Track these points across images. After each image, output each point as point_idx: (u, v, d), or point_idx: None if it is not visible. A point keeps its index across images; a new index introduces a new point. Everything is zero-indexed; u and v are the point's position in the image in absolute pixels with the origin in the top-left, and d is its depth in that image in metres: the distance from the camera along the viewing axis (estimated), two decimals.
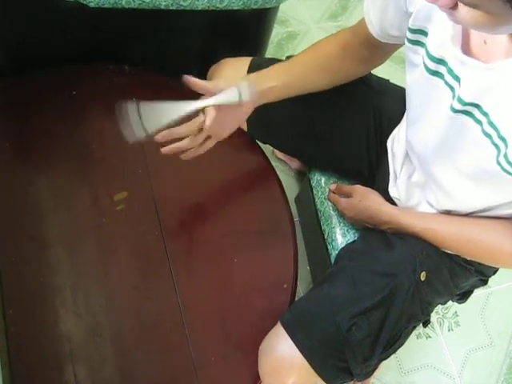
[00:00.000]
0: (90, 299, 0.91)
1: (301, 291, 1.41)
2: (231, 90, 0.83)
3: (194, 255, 0.99)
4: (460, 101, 0.69)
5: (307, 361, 0.82)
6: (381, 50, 0.91)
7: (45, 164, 1.03)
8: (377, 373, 1.18)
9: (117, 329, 0.90)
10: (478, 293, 1.10)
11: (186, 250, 0.99)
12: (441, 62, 0.72)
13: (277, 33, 1.85)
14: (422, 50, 0.76)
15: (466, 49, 0.68)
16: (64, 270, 0.92)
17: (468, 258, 0.89)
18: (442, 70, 0.72)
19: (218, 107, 0.83)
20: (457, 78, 0.70)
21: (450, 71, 0.71)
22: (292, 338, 0.83)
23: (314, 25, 1.89)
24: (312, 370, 0.82)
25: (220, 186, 1.06)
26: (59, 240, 0.95)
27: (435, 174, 0.82)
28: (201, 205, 1.03)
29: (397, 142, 0.96)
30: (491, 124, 0.67)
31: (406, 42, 0.79)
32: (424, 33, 0.75)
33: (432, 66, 0.73)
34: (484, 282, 0.98)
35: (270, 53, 1.55)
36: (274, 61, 1.04)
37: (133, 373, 0.87)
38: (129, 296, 0.93)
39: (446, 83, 0.72)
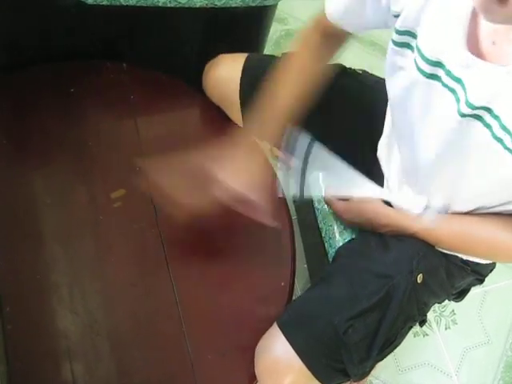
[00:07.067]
0: (86, 296, 0.90)
1: (298, 289, 1.42)
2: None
3: (192, 253, 0.99)
4: (469, 105, 0.66)
5: (303, 362, 0.81)
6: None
7: (42, 161, 1.02)
8: (374, 371, 1.18)
9: (114, 326, 0.90)
10: (474, 291, 1.10)
11: (183, 248, 0.99)
12: (437, 64, 0.69)
13: (275, 30, 1.85)
14: (409, 53, 0.73)
15: (474, 51, 0.65)
16: (61, 268, 0.92)
17: (465, 257, 0.89)
18: (440, 72, 0.70)
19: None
20: (458, 80, 0.67)
21: (449, 73, 0.68)
22: (288, 339, 0.83)
23: None
24: (308, 371, 0.82)
25: None
26: (56, 237, 0.95)
27: (435, 178, 0.81)
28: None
29: (381, 146, 0.95)
30: (503, 128, 0.64)
31: (392, 44, 0.75)
32: (413, 35, 0.72)
33: (427, 68, 0.70)
34: (480, 282, 0.98)
35: (268, 50, 1.54)
36: (269, 57, 1.04)
37: (130, 370, 0.87)
38: (126, 293, 0.93)
39: (445, 85, 0.70)
